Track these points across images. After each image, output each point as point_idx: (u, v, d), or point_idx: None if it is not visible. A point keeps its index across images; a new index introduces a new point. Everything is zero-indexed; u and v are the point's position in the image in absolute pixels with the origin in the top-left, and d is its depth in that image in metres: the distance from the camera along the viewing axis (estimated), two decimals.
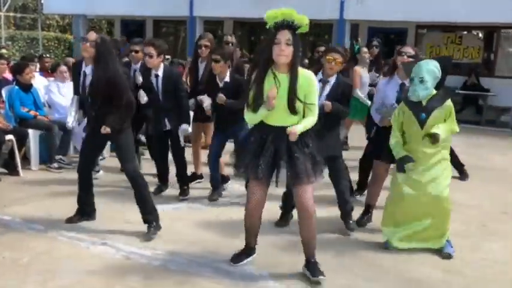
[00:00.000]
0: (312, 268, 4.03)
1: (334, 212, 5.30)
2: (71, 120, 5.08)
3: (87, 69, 4.76)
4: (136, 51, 6.55)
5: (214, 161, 5.93)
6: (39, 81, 8.01)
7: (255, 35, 17.68)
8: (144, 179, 4.89)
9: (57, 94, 7.62)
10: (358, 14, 13.28)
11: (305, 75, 3.81)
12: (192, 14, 15.08)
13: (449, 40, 14.16)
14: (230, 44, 7.12)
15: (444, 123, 4.51)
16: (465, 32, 14.50)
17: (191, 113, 6.08)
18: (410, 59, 4.98)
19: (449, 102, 4.50)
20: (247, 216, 4.16)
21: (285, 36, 3.63)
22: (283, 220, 5.27)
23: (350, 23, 13.89)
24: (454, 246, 4.75)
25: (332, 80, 4.95)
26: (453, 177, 5.09)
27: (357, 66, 7.93)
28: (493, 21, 12.52)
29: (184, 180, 6.10)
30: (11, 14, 22.32)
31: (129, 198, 5.13)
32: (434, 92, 4.50)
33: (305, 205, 3.92)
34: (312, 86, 3.82)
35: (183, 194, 6.03)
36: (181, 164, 6.00)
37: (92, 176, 5.16)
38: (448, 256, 4.59)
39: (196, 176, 6.58)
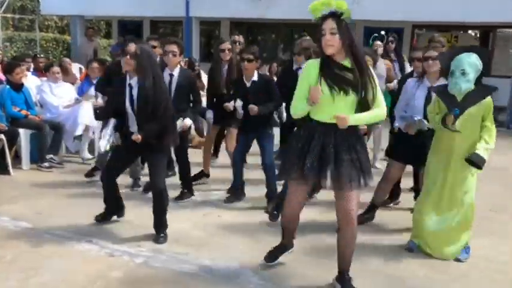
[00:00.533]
0: (344, 283, 3.84)
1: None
2: (103, 145, 4.94)
3: (133, 81, 4.56)
4: (154, 47, 6.29)
5: (239, 163, 5.85)
6: (31, 81, 8.02)
7: (252, 35, 17.73)
8: (167, 193, 4.76)
9: (49, 94, 7.64)
10: (354, 13, 13.11)
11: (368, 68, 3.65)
12: (189, 15, 15.10)
13: (444, 40, 14.11)
14: (238, 43, 7.12)
15: (482, 141, 4.32)
16: (461, 32, 14.50)
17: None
18: (436, 61, 4.81)
19: (488, 99, 4.31)
20: (284, 219, 4.04)
21: (328, 25, 3.51)
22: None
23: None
24: None
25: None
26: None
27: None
28: (488, 20, 12.51)
29: (187, 183, 6.01)
30: (9, 15, 22.34)
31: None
32: (473, 87, 4.30)
33: (346, 214, 3.68)
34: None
35: (180, 197, 5.92)
36: (184, 166, 5.95)
37: (116, 184, 4.91)
38: (457, 259, 4.55)
39: (204, 174, 6.59)
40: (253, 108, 5.45)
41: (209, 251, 4.41)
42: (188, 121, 5.74)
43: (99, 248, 4.48)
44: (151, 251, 4.45)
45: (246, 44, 7.81)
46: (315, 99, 3.52)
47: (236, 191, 5.94)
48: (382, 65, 7.78)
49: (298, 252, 4.48)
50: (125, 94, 4.58)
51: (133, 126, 4.64)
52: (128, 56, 4.47)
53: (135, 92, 4.53)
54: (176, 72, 5.65)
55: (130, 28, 18.66)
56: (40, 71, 9.01)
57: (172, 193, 5.65)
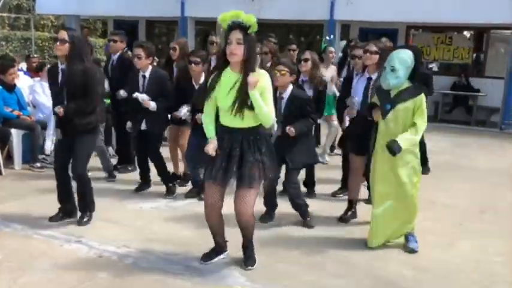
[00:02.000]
0: (247, 251, 4.28)
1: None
2: (49, 146, 5.25)
3: (64, 66, 4.83)
4: (115, 41, 6.90)
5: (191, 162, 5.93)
6: (23, 81, 8.03)
7: None
8: (87, 178, 5.04)
9: (42, 94, 7.64)
10: (348, 14, 13.29)
11: (262, 73, 3.89)
12: (184, 15, 15.10)
13: (439, 41, 14.17)
14: (214, 44, 7.17)
15: (407, 133, 4.45)
16: (455, 33, 14.53)
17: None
18: (376, 56, 5.11)
19: (421, 96, 4.47)
20: (206, 218, 4.17)
21: (235, 35, 3.74)
22: (268, 216, 5.34)
23: (340, 24, 13.92)
24: (429, 244, 4.81)
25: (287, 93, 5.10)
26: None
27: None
28: (483, 22, 12.54)
29: (167, 179, 6.13)
30: (5, 14, 22.32)
31: (106, 197, 5.17)
32: (407, 84, 4.48)
33: (240, 210, 4.01)
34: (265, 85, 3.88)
35: (169, 192, 6.06)
36: (158, 164, 6.06)
37: (69, 176, 5.11)
38: (412, 251, 4.65)
39: (176, 177, 6.59)
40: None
41: (198, 251, 4.42)
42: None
43: (88, 249, 4.49)
44: (140, 251, 4.47)
45: None
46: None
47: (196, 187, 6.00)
48: (333, 70, 8.07)
49: (286, 252, 4.51)
50: (58, 79, 4.89)
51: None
52: (58, 43, 4.72)
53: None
54: (147, 73, 5.86)
55: (125, 28, 18.63)
56: (33, 71, 9.01)
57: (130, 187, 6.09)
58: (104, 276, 3.99)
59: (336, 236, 5.04)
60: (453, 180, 7.35)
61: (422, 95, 4.49)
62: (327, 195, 6.28)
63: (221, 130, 4.01)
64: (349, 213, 5.46)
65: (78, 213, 5.09)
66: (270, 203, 5.34)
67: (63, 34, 4.73)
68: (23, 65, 9.96)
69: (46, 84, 7.59)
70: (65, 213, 5.13)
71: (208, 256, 4.31)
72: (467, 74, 13.87)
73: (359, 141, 5.20)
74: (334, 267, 4.34)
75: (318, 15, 13.54)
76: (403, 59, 4.41)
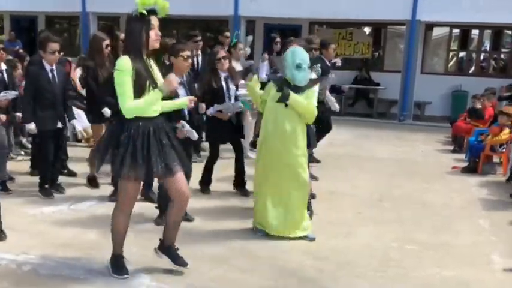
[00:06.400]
0: (174, 255, 4.11)
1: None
2: None
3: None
4: None
5: None
6: None
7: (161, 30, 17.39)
8: None
9: None
10: (253, 11, 13.52)
11: None
12: (85, 10, 14.66)
13: (340, 36, 14.68)
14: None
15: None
16: (355, 29, 15.11)
17: None
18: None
19: (315, 87, 4.87)
20: (123, 220, 3.95)
21: (156, 21, 3.68)
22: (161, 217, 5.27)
23: (245, 20, 14.10)
24: (329, 233, 5.02)
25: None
26: None
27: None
28: (380, 18, 13.18)
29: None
30: None
31: (2, 202, 4.91)
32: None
33: (181, 195, 3.92)
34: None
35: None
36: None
37: None
38: (312, 239, 4.87)
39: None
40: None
41: (101, 254, 4.33)
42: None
43: None
44: (40, 257, 4.31)
45: None
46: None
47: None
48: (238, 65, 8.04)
49: (190, 248, 4.53)
50: None
51: None
52: None
53: None
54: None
55: (24, 24, 17.80)
56: None
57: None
58: (3, 285, 3.82)
59: (233, 228, 5.14)
60: (353, 171, 7.67)
61: (316, 86, 4.91)
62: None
63: (144, 123, 3.76)
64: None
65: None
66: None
67: None
68: None
69: None
70: None
71: (122, 270, 4.03)
72: (367, 68, 14.49)
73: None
74: (237, 260, 4.42)
75: (223, 11, 13.63)
76: (305, 55, 4.78)
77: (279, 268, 4.32)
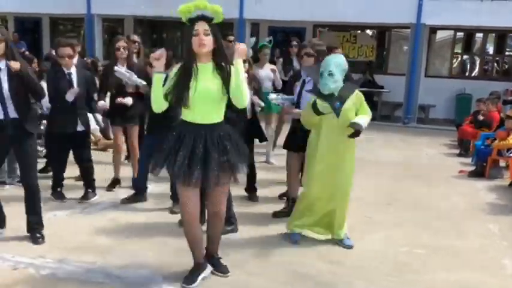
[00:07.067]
0: (216, 263, 4.23)
1: None
2: None
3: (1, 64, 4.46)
4: None
5: (145, 163, 5.61)
6: None
7: (157, 33, 17.50)
8: (39, 189, 4.77)
9: None
10: (257, 13, 13.58)
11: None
12: (90, 12, 14.70)
13: (344, 39, 14.75)
14: (137, 44, 7.04)
15: (362, 115, 4.72)
16: (359, 31, 15.18)
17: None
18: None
19: (357, 92, 4.75)
20: (186, 230, 3.99)
21: (202, 26, 3.67)
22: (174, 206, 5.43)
23: (250, 22, 14.17)
24: None
25: None
26: None
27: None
28: (383, 22, 13.24)
29: (91, 184, 6.03)
30: None
31: (15, 205, 4.95)
32: (342, 84, 4.70)
33: (215, 212, 4.05)
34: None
35: (85, 197, 5.95)
36: (89, 168, 5.99)
37: None
38: (350, 247, 4.91)
39: (118, 181, 6.49)
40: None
41: (117, 258, 4.38)
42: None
43: (1, 261, 4.31)
44: (57, 261, 4.35)
45: (150, 41, 7.82)
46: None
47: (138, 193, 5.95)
48: (268, 68, 8.07)
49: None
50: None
51: None
52: None
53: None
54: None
55: (28, 25, 17.84)
56: None
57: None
58: None
59: (248, 234, 5.16)
60: (358, 174, 7.65)
61: (357, 90, 4.77)
62: None
63: (183, 126, 3.82)
64: (283, 210, 5.64)
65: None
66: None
67: None
68: None
69: None
70: None
71: (190, 278, 4.02)
72: (371, 71, 14.54)
73: (296, 139, 5.43)
74: (250, 264, 4.45)
75: (228, 13, 13.63)
76: (338, 62, 4.64)
77: (294, 272, 4.35)
